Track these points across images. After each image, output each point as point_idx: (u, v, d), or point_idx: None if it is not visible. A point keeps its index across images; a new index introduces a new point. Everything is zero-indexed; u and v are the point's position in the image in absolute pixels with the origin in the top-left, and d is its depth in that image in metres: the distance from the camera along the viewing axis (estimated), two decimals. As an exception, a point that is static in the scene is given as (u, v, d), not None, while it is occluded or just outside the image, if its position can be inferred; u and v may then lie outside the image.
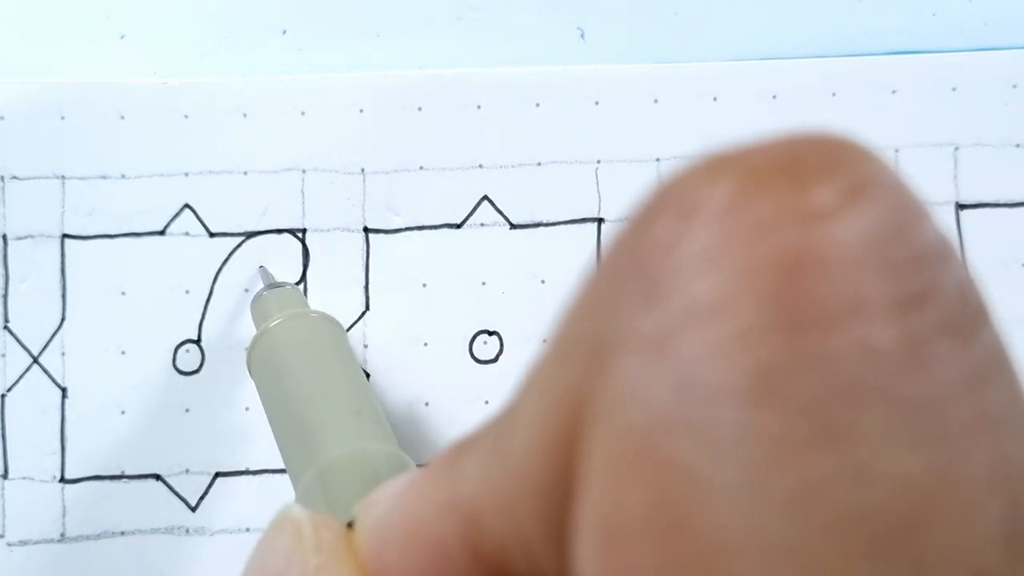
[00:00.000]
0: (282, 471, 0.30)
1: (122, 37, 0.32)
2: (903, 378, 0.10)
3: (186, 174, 0.31)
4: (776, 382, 0.10)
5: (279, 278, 0.31)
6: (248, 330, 0.31)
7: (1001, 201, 0.31)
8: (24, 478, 0.30)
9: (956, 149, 0.31)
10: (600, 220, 0.31)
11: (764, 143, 0.11)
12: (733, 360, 0.10)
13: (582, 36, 0.32)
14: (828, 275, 0.10)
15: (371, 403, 0.27)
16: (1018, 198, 0.31)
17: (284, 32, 0.32)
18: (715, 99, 0.31)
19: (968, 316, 0.10)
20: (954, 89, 0.31)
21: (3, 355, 0.31)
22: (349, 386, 0.27)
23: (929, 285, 0.10)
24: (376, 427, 0.26)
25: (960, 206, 0.31)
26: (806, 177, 0.10)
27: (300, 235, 0.31)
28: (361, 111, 0.31)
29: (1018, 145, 0.31)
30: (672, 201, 0.11)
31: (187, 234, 0.31)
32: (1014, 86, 0.31)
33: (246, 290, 0.31)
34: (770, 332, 0.10)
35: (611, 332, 0.11)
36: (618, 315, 0.11)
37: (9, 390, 0.31)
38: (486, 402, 0.31)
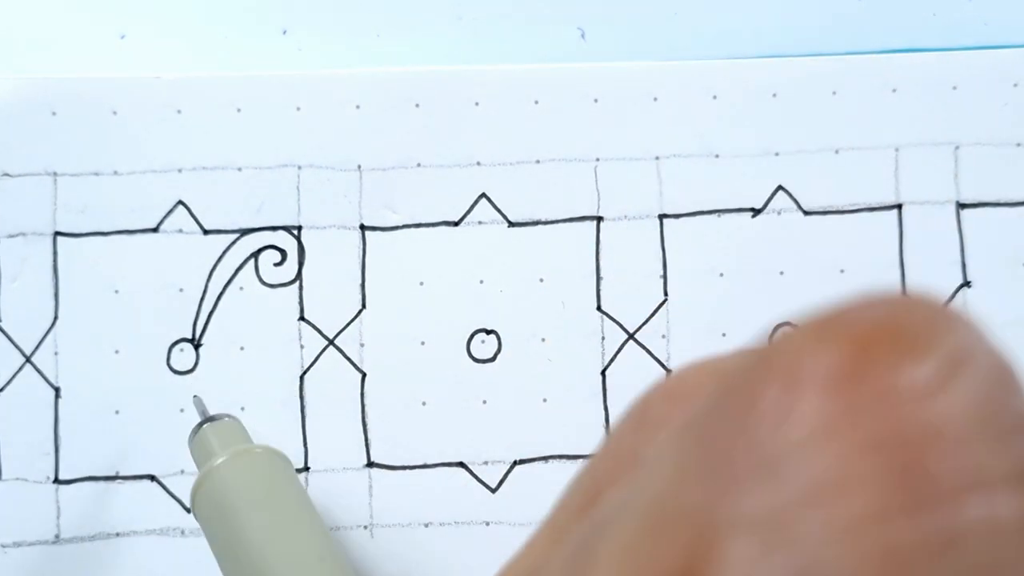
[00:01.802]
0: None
1: (122, 37, 0.32)
2: None
3: (179, 170, 0.31)
4: (905, 565, 0.09)
5: (212, 404, 0.29)
6: (246, 329, 0.31)
7: (1002, 200, 0.31)
8: (17, 479, 0.30)
9: (956, 148, 0.31)
10: (599, 218, 0.31)
11: (864, 306, 0.11)
12: (859, 543, 0.09)
13: (583, 36, 0.32)
14: (946, 449, 0.10)
15: (332, 545, 0.26)
16: (1019, 197, 0.31)
17: (284, 32, 0.32)
18: (715, 97, 0.31)
19: None
20: (955, 88, 0.31)
21: (-5, 354, 0.31)
22: (308, 528, 0.26)
23: None
24: (340, 572, 0.25)
25: (960, 205, 0.31)
26: (911, 348, 0.10)
27: (296, 232, 0.31)
28: (357, 107, 0.31)
29: (1019, 144, 0.31)
30: (778, 370, 0.11)
31: (181, 231, 0.31)
32: (1015, 85, 0.31)
33: (241, 288, 0.31)
34: (896, 513, 0.10)
35: (718, 512, 0.10)
36: (725, 494, 0.10)
37: (1, 390, 0.30)
38: (484, 401, 0.31)
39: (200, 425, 0.28)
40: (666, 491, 0.11)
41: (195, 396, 0.29)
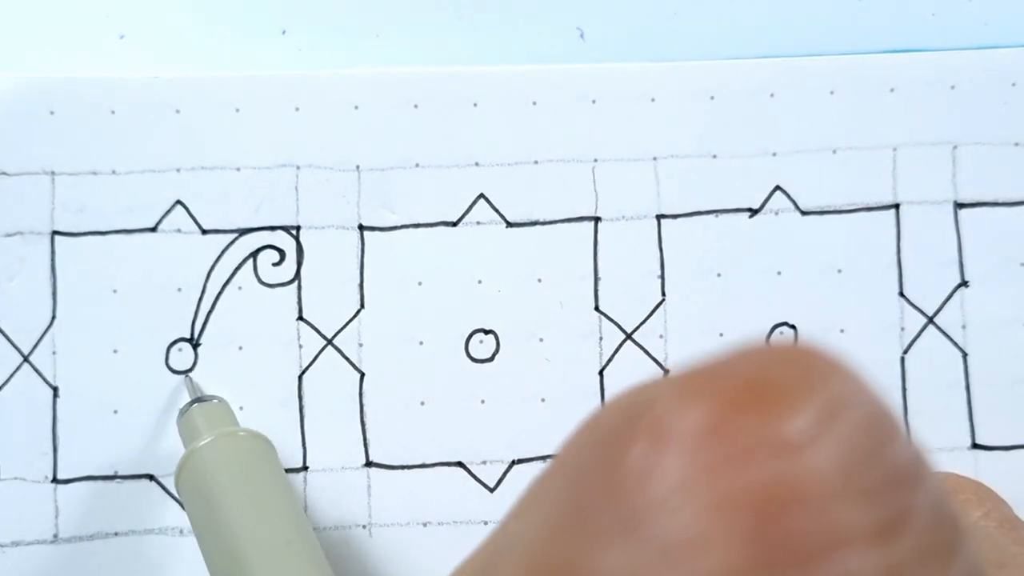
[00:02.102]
0: (286, 471, 0.30)
1: (122, 37, 0.32)
2: None
3: (178, 170, 0.31)
4: None
5: (207, 391, 0.30)
6: (245, 329, 0.31)
7: (1000, 200, 0.31)
8: (16, 479, 0.30)
9: (955, 148, 0.31)
10: (597, 218, 0.31)
11: (735, 360, 0.11)
12: None
13: (582, 36, 0.32)
14: (804, 508, 0.10)
15: (303, 530, 0.26)
16: (1017, 197, 0.31)
17: (284, 32, 0.32)
18: (712, 97, 0.31)
19: (945, 538, 0.10)
20: (953, 87, 0.31)
21: (-7, 354, 0.31)
22: (281, 513, 0.26)
23: (905, 509, 0.10)
24: (307, 556, 0.26)
25: (959, 205, 0.31)
26: (778, 403, 0.10)
27: (294, 232, 0.31)
28: (356, 107, 0.31)
29: (1017, 144, 0.31)
30: (645, 426, 0.10)
31: (179, 231, 0.31)
32: (1013, 84, 0.31)
33: (239, 288, 0.31)
34: (749, 571, 0.09)
35: (583, 566, 0.10)
36: (591, 547, 0.10)
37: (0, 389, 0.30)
38: (482, 401, 0.31)
39: (188, 405, 0.28)
40: (543, 542, 0.11)
41: (187, 376, 0.30)
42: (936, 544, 0.10)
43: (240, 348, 0.31)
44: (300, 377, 0.31)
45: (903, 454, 0.10)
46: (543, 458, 0.31)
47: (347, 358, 0.31)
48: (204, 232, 0.31)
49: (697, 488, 0.10)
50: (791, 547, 0.09)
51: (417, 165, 0.31)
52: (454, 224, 0.31)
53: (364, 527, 0.30)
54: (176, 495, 0.29)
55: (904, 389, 0.31)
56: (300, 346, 0.31)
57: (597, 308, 0.31)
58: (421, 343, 0.31)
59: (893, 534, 0.10)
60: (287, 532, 0.26)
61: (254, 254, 0.31)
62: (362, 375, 0.31)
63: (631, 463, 0.10)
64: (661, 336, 0.31)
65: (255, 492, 0.27)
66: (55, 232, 0.31)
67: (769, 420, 0.10)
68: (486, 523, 0.30)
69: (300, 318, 0.31)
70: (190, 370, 0.31)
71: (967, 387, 0.31)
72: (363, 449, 0.31)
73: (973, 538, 0.11)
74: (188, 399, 0.29)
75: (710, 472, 0.10)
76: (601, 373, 0.31)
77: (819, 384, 0.10)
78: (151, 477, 0.30)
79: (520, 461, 0.31)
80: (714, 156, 0.31)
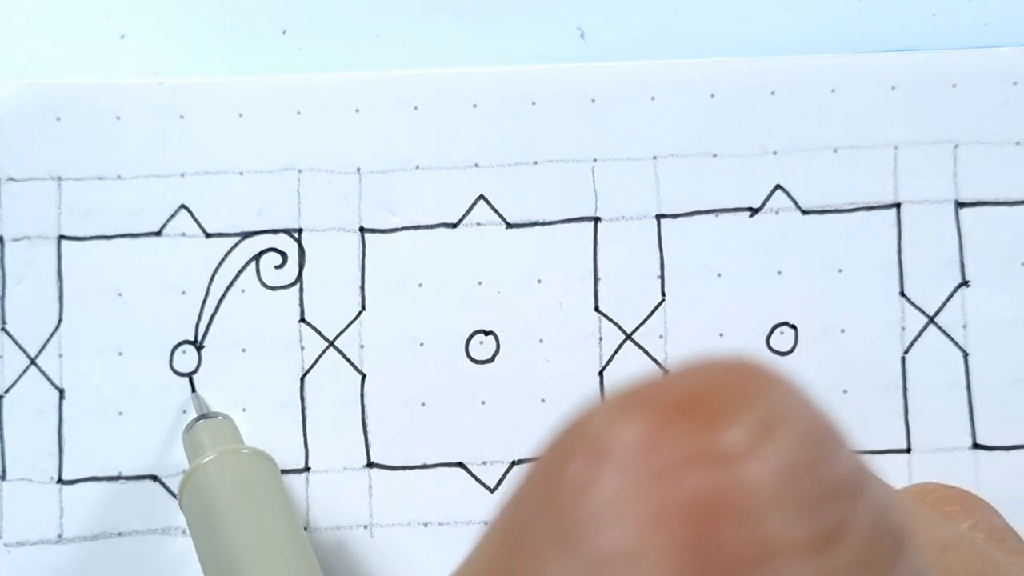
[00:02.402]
0: (288, 471, 0.31)
1: (122, 37, 0.32)
2: None
3: (182, 175, 0.31)
4: None
5: (213, 406, 0.30)
6: (248, 331, 0.31)
7: (1001, 199, 0.31)
8: (21, 479, 0.31)
9: (956, 147, 0.31)
10: (597, 219, 0.31)
11: (673, 377, 0.11)
12: None
13: (582, 36, 0.32)
14: (738, 520, 0.10)
15: (302, 550, 0.27)
16: (1018, 196, 0.31)
17: (284, 32, 0.32)
18: (712, 96, 0.31)
19: (883, 551, 0.10)
20: (954, 86, 0.31)
21: (0, 356, 0.31)
22: (280, 532, 0.27)
23: (842, 522, 0.10)
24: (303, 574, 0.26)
25: (959, 204, 0.31)
26: (714, 416, 0.10)
27: (296, 235, 0.31)
28: (357, 110, 0.31)
29: (1018, 143, 0.31)
30: (583, 441, 0.11)
31: (183, 235, 0.31)
32: (1014, 83, 0.31)
33: (242, 290, 0.31)
34: None
35: None
36: (529, 561, 0.11)
37: (7, 391, 0.31)
38: (482, 402, 0.31)
39: (194, 422, 0.29)
40: (491, 561, 0.12)
41: (194, 393, 0.30)
42: (873, 556, 0.10)
43: (243, 350, 0.31)
44: (302, 379, 0.31)
45: (842, 468, 0.10)
46: (543, 459, 0.31)
47: (348, 360, 0.31)
48: (208, 236, 0.31)
49: (632, 501, 0.10)
50: (724, 558, 0.10)
51: (417, 167, 0.31)
52: (454, 225, 0.31)
53: (365, 527, 0.31)
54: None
55: (905, 389, 0.30)
56: (302, 348, 0.31)
57: (597, 308, 0.31)
58: (422, 344, 0.31)
59: (828, 546, 0.10)
60: (285, 551, 0.26)
61: (257, 257, 0.31)
62: (363, 376, 0.31)
63: (569, 478, 0.10)
64: (661, 336, 0.31)
65: (256, 510, 0.27)
66: (61, 236, 0.31)
67: (704, 433, 0.10)
68: (486, 524, 0.30)
69: (302, 320, 0.31)
70: (194, 372, 0.31)
71: (968, 387, 0.30)
72: (364, 450, 0.31)
73: (916, 551, 0.11)
74: (194, 415, 0.30)
75: (645, 485, 0.10)
76: (601, 374, 0.31)
77: (756, 398, 0.10)
78: (155, 478, 0.31)
79: (520, 462, 0.31)
80: (714, 155, 0.31)
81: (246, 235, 0.31)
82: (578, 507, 0.10)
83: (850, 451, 0.11)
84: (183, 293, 0.31)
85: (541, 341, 0.31)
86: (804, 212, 0.31)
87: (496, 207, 0.31)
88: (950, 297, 0.31)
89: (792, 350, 0.31)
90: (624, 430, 0.10)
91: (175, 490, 0.30)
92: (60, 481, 0.31)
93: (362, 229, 0.31)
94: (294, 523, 0.28)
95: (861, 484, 0.10)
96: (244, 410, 0.31)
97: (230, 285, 0.31)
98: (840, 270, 0.31)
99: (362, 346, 0.31)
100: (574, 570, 0.10)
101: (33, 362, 0.31)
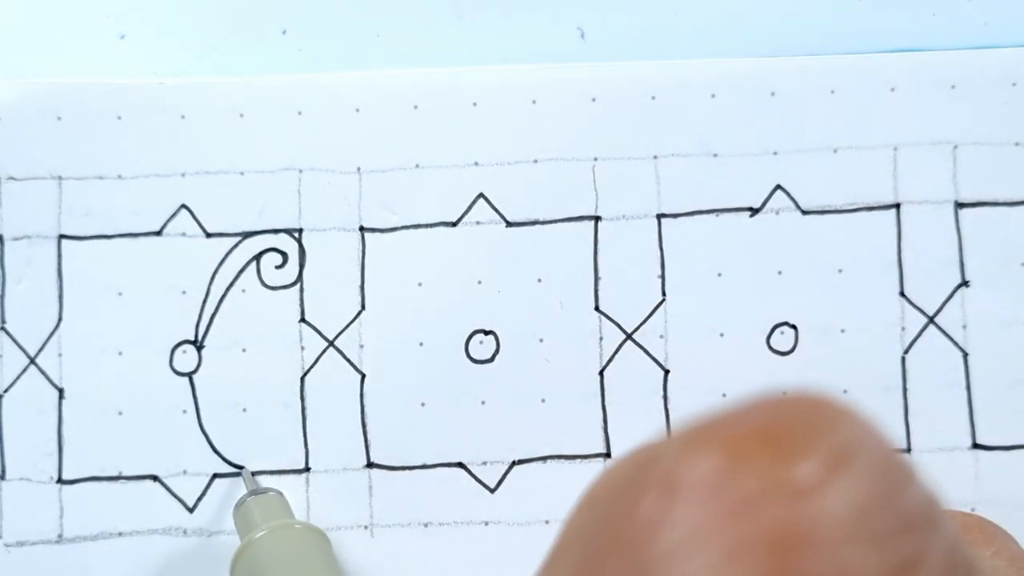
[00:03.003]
0: (288, 471, 0.31)
1: (122, 37, 0.32)
2: None
3: (183, 174, 0.31)
4: None
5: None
6: (248, 331, 0.31)
7: (1000, 200, 0.31)
8: (21, 479, 0.31)
9: (955, 147, 0.31)
10: (597, 218, 0.31)
11: (744, 411, 0.11)
12: None
13: (582, 36, 0.32)
14: (815, 553, 0.10)
15: None
16: (1017, 197, 0.31)
17: (284, 32, 0.32)
18: (713, 96, 0.31)
19: None
20: (953, 87, 0.31)
21: (0, 356, 0.31)
22: None
23: (917, 553, 0.10)
24: None
25: (959, 205, 0.31)
26: (788, 449, 0.10)
27: (296, 235, 0.31)
28: (357, 110, 0.31)
29: (1017, 143, 0.31)
30: (655, 477, 0.11)
31: (184, 234, 0.31)
32: (1014, 84, 0.31)
33: (243, 290, 0.31)
34: None
35: None
36: None
37: (6, 391, 0.31)
38: (482, 402, 0.31)
39: (245, 497, 0.29)
40: None
41: (244, 468, 0.31)
42: None
43: (243, 350, 0.31)
44: (302, 378, 0.31)
45: (915, 499, 0.10)
46: (543, 458, 0.31)
47: (348, 359, 0.31)
48: (208, 235, 0.31)
49: (709, 535, 0.10)
50: None
51: (417, 166, 0.31)
52: (454, 224, 0.31)
53: (366, 528, 0.31)
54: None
55: (905, 389, 0.30)
56: (302, 348, 0.31)
57: (597, 308, 0.31)
58: (421, 344, 0.31)
59: None
60: None
61: (257, 257, 0.31)
62: (363, 376, 0.31)
63: (642, 514, 0.10)
64: (661, 336, 0.31)
65: None
66: (62, 236, 0.31)
67: (778, 466, 0.10)
68: (486, 523, 0.31)
69: (302, 320, 0.31)
70: (194, 372, 0.31)
71: (968, 387, 0.30)
72: (364, 450, 0.31)
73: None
74: (245, 491, 0.30)
75: (721, 519, 0.10)
76: (601, 373, 0.31)
77: (828, 431, 0.10)
78: (155, 478, 0.31)
79: (520, 461, 0.31)
80: (715, 155, 0.31)
81: (247, 235, 0.31)
82: (653, 544, 0.10)
83: (921, 484, 0.11)
84: (183, 293, 0.31)
85: (541, 341, 0.31)
86: (804, 212, 0.31)
87: (496, 206, 0.31)
88: (950, 297, 0.31)
89: (792, 350, 0.31)
90: (696, 465, 0.10)
91: (175, 490, 0.30)
92: (60, 481, 0.31)
93: (362, 228, 0.31)
94: None
95: (934, 516, 0.10)
96: (244, 410, 0.31)
97: (230, 285, 0.31)
98: (840, 270, 0.31)
99: (362, 346, 0.31)
100: None
101: (33, 361, 0.31)
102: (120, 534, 0.30)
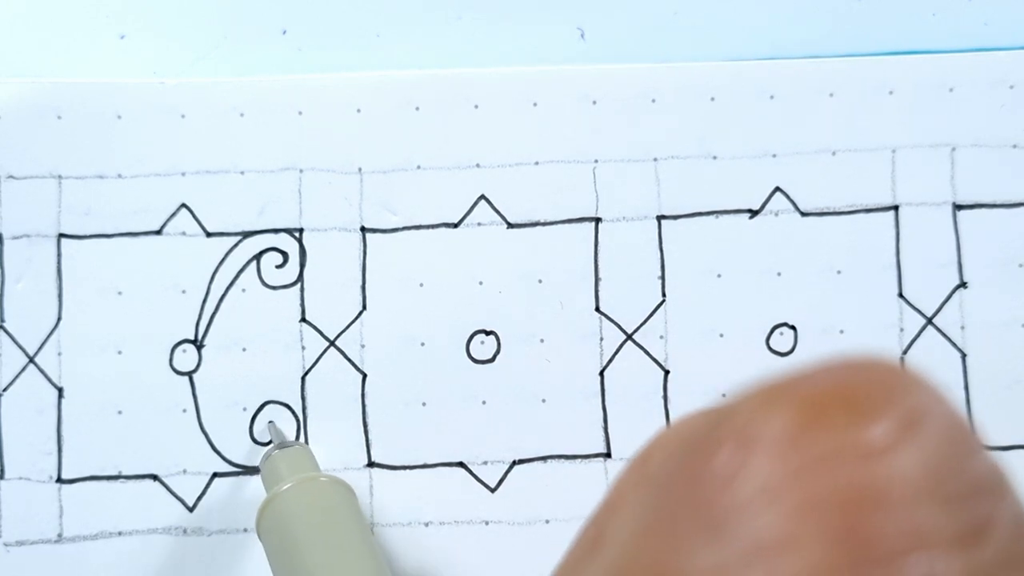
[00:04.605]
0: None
1: (122, 37, 0.32)
2: None
3: (183, 174, 0.31)
4: None
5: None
6: (248, 331, 0.31)
7: (998, 202, 0.31)
8: (20, 478, 0.30)
9: (953, 150, 0.31)
10: (597, 219, 0.31)
11: (818, 372, 0.11)
12: None
13: (582, 36, 0.32)
14: (890, 510, 0.10)
15: (384, 574, 0.27)
16: (1015, 199, 0.31)
17: (284, 32, 0.32)
18: (713, 99, 0.31)
19: None
20: (951, 90, 0.31)
21: (-1, 355, 0.31)
22: (364, 559, 0.27)
23: (987, 518, 0.10)
24: None
25: (957, 207, 0.31)
26: (862, 411, 0.10)
27: (297, 235, 0.31)
28: (358, 111, 0.31)
29: (1015, 146, 0.31)
30: (731, 431, 0.11)
31: (184, 234, 0.31)
32: (1011, 87, 0.31)
33: (243, 290, 0.31)
34: (834, 572, 0.10)
35: (672, 566, 0.11)
36: (678, 549, 0.11)
37: (5, 390, 0.31)
38: (483, 402, 0.31)
39: (272, 450, 0.29)
40: (631, 545, 0.12)
41: (270, 422, 0.30)
42: (1017, 555, 0.10)
43: (244, 350, 0.31)
44: (303, 378, 0.31)
45: (983, 466, 0.11)
46: (544, 458, 0.31)
47: (349, 359, 0.31)
48: (208, 235, 0.31)
49: (783, 490, 0.10)
50: (876, 548, 0.10)
51: (418, 167, 0.31)
52: (455, 225, 0.31)
53: (366, 527, 0.31)
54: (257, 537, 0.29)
55: (903, 389, 0.31)
56: (303, 347, 0.31)
57: (598, 309, 0.31)
58: (422, 344, 0.31)
59: (976, 541, 0.10)
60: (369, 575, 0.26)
61: (258, 256, 0.31)
62: (364, 376, 0.31)
63: (717, 467, 0.11)
64: (661, 337, 0.31)
65: (338, 537, 0.27)
66: (61, 235, 0.31)
67: (851, 427, 0.10)
68: (487, 523, 0.31)
69: (303, 320, 0.31)
70: (194, 371, 0.31)
71: (966, 387, 0.31)
72: (365, 449, 0.31)
73: None
74: (271, 444, 0.30)
75: (796, 475, 0.10)
76: (601, 374, 0.31)
77: (900, 395, 0.11)
78: (155, 477, 0.31)
79: (521, 461, 0.31)
80: (714, 157, 0.31)
81: (247, 234, 0.31)
82: (727, 495, 0.10)
83: (988, 453, 0.11)
84: (183, 292, 0.31)
85: (542, 341, 0.31)
86: (803, 214, 0.31)
87: (497, 207, 0.31)
88: (948, 298, 0.31)
89: (792, 351, 0.31)
90: (772, 421, 0.11)
91: (175, 489, 0.30)
92: (59, 480, 0.30)
93: (363, 229, 0.31)
94: (374, 549, 0.28)
95: (1002, 484, 0.11)
96: (244, 409, 0.31)
97: (231, 284, 0.31)
98: (839, 271, 0.31)
99: (363, 346, 0.31)
100: (726, 556, 0.10)
101: (32, 360, 0.31)
102: (120, 533, 0.30)
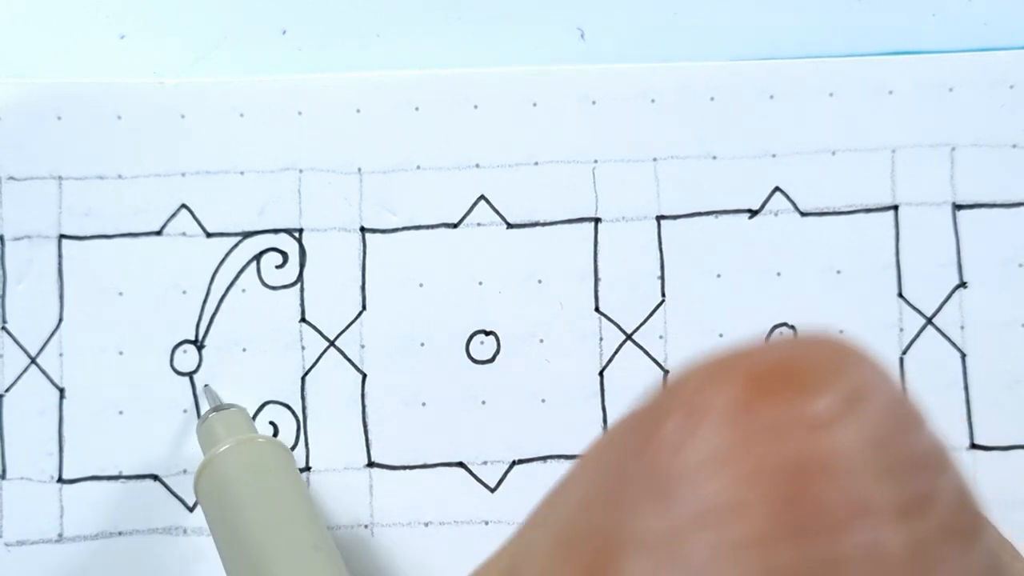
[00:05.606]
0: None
1: (122, 37, 0.32)
2: None
3: (183, 174, 0.31)
4: None
5: (225, 398, 0.30)
6: (249, 331, 0.31)
7: (998, 201, 0.31)
8: (22, 478, 0.31)
9: (953, 150, 0.31)
10: (597, 220, 0.31)
11: (765, 347, 0.11)
12: (744, 564, 0.10)
13: (582, 36, 0.32)
14: (834, 480, 0.10)
15: (325, 535, 0.27)
16: (1015, 198, 0.31)
17: (284, 32, 0.32)
18: (712, 99, 0.31)
19: (968, 522, 0.11)
20: (951, 90, 0.31)
21: (1, 355, 0.31)
22: (303, 518, 0.27)
23: (930, 490, 0.10)
24: (332, 561, 0.26)
25: (957, 207, 0.31)
26: (808, 384, 0.11)
27: (297, 235, 0.31)
28: (358, 111, 0.31)
29: (1015, 145, 0.31)
30: (679, 401, 0.11)
31: (184, 234, 0.31)
32: (1011, 87, 0.31)
33: (243, 290, 0.31)
34: (780, 537, 0.10)
35: (618, 530, 0.11)
36: (624, 513, 0.11)
37: (7, 391, 0.31)
38: (483, 402, 0.31)
39: (208, 413, 0.29)
40: (578, 512, 0.12)
41: (206, 385, 0.30)
42: (959, 527, 0.11)
43: (244, 350, 0.31)
44: (303, 378, 0.31)
45: (926, 441, 0.11)
46: (543, 458, 0.31)
47: (349, 359, 0.31)
48: (208, 235, 0.31)
49: (731, 458, 0.10)
50: (821, 515, 0.10)
51: (418, 167, 0.31)
52: (455, 225, 0.31)
53: (366, 527, 0.31)
54: (195, 498, 0.29)
55: (903, 390, 0.31)
56: (303, 348, 0.31)
57: (597, 309, 0.31)
58: (422, 344, 0.31)
59: (919, 512, 0.10)
60: (313, 537, 0.26)
61: (257, 257, 0.31)
62: (364, 376, 0.31)
63: (666, 435, 0.11)
64: (661, 337, 0.31)
65: (277, 497, 0.27)
66: (62, 236, 0.31)
67: (796, 400, 0.10)
68: (487, 523, 0.31)
69: (303, 320, 0.31)
70: (194, 371, 0.31)
71: (965, 387, 0.31)
72: (365, 449, 0.31)
73: (992, 529, 0.11)
74: (207, 407, 0.30)
75: (743, 444, 0.10)
76: (601, 374, 0.31)
77: (844, 370, 0.11)
78: (156, 477, 0.31)
79: (520, 461, 0.31)
80: (714, 157, 0.31)
81: (247, 235, 0.31)
82: (676, 462, 0.11)
83: (931, 429, 0.11)
84: (184, 292, 0.31)
85: (541, 341, 0.31)
86: (803, 214, 0.31)
87: (497, 207, 0.31)
88: (948, 298, 0.31)
89: (791, 351, 0.31)
90: (720, 393, 0.11)
91: (176, 490, 0.30)
92: (60, 480, 0.31)
93: (363, 229, 0.31)
94: (314, 509, 0.28)
95: (944, 459, 0.11)
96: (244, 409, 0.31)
97: (231, 285, 0.31)
98: (839, 271, 0.31)
99: (363, 346, 0.31)
100: (674, 520, 0.10)
101: (34, 361, 0.31)
102: (120, 533, 0.30)
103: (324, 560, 0.26)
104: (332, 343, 0.31)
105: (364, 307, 0.31)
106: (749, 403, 0.11)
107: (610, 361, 0.31)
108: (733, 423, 0.10)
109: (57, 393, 0.31)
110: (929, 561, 0.10)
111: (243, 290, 0.31)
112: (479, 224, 0.31)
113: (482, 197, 0.31)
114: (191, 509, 0.31)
